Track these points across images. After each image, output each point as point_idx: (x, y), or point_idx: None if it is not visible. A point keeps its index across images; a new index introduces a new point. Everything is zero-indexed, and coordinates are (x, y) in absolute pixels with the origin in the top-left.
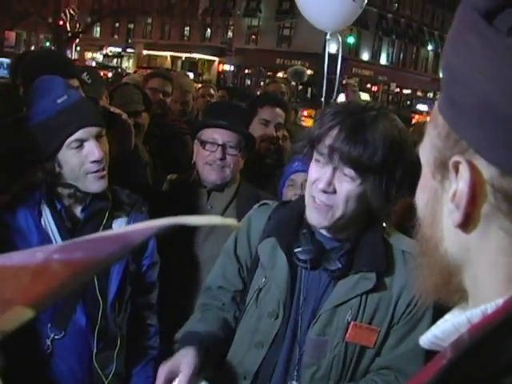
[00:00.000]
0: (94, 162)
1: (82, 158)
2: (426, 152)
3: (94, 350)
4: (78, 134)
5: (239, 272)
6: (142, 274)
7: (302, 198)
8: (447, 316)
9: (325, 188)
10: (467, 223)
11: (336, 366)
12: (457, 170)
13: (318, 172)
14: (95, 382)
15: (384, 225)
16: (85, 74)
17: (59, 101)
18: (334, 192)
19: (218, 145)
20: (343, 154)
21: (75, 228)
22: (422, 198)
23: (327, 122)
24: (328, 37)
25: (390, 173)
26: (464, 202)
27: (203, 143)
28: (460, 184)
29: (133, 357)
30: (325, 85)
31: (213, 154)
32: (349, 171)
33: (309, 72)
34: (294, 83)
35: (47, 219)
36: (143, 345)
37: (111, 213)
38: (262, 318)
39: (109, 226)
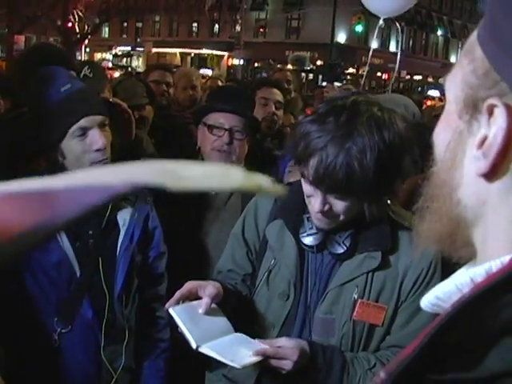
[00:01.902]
0: (98, 150)
1: (85, 147)
2: (455, 86)
3: (102, 344)
4: (82, 122)
5: (248, 255)
6: (148, 266)
7: None
8: (449, 278)
9: (320, 210)
10: (492, 174)
11: (345, 344)
12: (490, 114)
13: (310, 190)
14: (104, 375)
15: (388, 202)
16: (86, 67)
17: (63, 89)
18: (330, 208)
19: (225, 129)
20: (329, 185)
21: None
22: (442, 137)
23: (309, 146)
24: (381, 22)
25: (382, 178)
26: (494, 151)
27: (210, 127)
28: (493, 130)
29: (143, 350)
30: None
31: (220, 138)
32: (338, 196)
33: (319, 62)
34: (304, 74)
35: None
36: (153, 337)
37: (115, 204)
38: (273, 300)
39: (113, 218)
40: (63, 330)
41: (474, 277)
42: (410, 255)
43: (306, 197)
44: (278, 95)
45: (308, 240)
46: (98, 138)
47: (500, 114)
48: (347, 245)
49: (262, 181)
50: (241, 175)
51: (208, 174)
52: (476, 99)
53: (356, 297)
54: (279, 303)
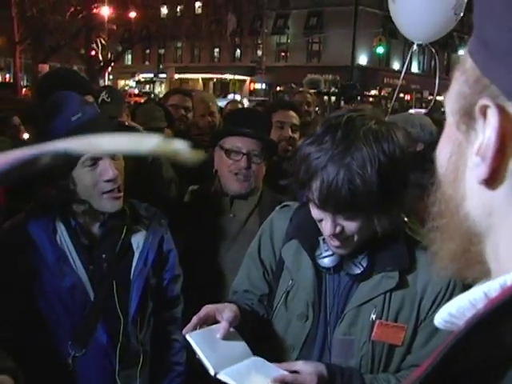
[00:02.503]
0: (109, 181)
1: (96, 177)
2: (451, 100)
3: (117, 368)
4: (92, 153)
5: (264, 276)
6: (163, 288)
7: None
8: (463, 294)
9: (332, 233)
10: (493, 179)
11: (365, 366)
12: (484, 117)
13: (318, 214)
14: None
15: (406, 219)
16: (104, 92)
17: (73, 118)
18: (342, 230)
19: (243, 153)
20: (335, 205)
21: (93, 244)
22: (444, 151)
23: (310, 168)
24: (415, 47)
25: (386, 190)
26: (491, 153)
27: (227, 152)
28: (487, 132)
29: (158, 373)
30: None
31: (237, 162)
32: (347, 215)
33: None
34: (326, 97)
35: (63, 236)
36: (168, 361)
37: (129, 227)
38: (292, 321)
39: (127, 241)
40: (77, 354)
41: (489, 292)
42: (429, 273)
43: (317, 222)
44: (294, 118)
45: (325, 262)
46: (108, 169)
47: (492, 114)
48: (364, 265)
49: (178, 146)
50: (156, 140)
51: (125, 140)
52: (470, 107)
53: (374, 317)
54: (298, 324)
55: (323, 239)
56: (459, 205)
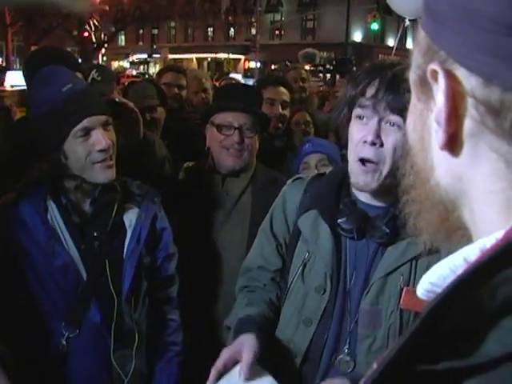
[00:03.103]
0: (101, 151)
1: (88, 148)
2: (411, 73)
3: (112, 348)
4: (85, 123)
5: (277, 250)
6: (157, 267)
7: (338, 168)
8: (442, 260)
9: (374, 139)
10: (453, 144)
11: (393, 335)
12: (436, 82)
13: (361, 129)
14: (115, 380)
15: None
16: (94, 71)
17: (64, 89)
18: (381, 145)
19: (235, 128)
20: (389, 102)
21: (84, 223)
22: (410, 123)
23: (364, 79)
24: (407, 22)
25: None
26: (444, 117)
27: (219, 127)
28: (439, 95)
29: (154, 354)
30: None
31: (230, 137)
32: (395, 119)
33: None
34: (321, 74)
35: (54, 215)
36: (164, 341)
37: (121, 205)
38: (309, 294)
39: (119, 219)
40: (71, 335)
41: (468, 256)
42: None
43: (352, 147)
44: (284, 94)
45: (348, 225)
46: (101, 139)
47: (441, 77)
48: (390, 228)
49: None
50: None
51: None
52: (424, 76)
53: (402, 285)
54: (316, 297)
55: (345, 203)
56: (429, 175)
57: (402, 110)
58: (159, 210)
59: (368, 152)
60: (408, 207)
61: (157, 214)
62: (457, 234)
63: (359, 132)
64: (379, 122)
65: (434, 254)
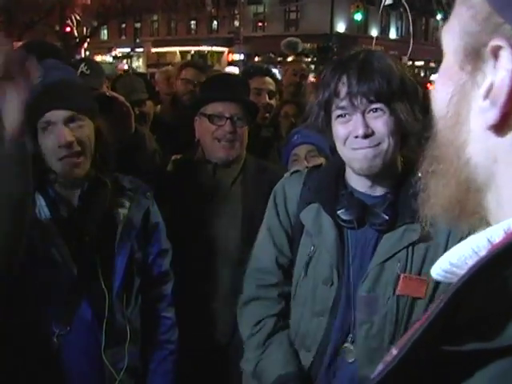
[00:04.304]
0: (61, 146)
1: (54, 142)
2: (453, 37)
3: (103, 345)
4: (47, 117)
5: (288, 241)
6: (150, 263)
7: (334, 160)
8: (464, 241)
9: (365, 131)
10: (502, 125)
11: (390, 320)
12: (496, 58)
13: (346, 126)
14: (107, 377)
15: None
16: (83, 64)
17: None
18: (373, 133)
19: (226, 118)
20: (365, 93)
21: (73, 217)
22: (444, 92)
23: (331, 79)
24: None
25: (409, 95)
26: (503, 97)
27: (210, 117)
28: (500, 74)
29: (149, 352)
30: None
31: (222, 127)
32: (376, 105)
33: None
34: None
35: (42, 209)
36: (159, 339)
37: (113, 199)
38: (318, 287)
39: (111, 214)
40: (62, 332)
41: (492, 237)
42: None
43: (340, 144)
44: (270, 84)
45: (347, 216)
46: (60, 134)
47: (506, 56)
48: (389, 214)
49: None
50: None
51: None
52: (478, 46)
53: (399, 272)
54: (324, 289)
55: (343, 194)
56: (460, 150)
57: (379, 95)
58: (152, 205)
59: (363, 142)
60: (427, 179)
61: (149, 208)
62: (471, 217)
63: (345, 128)
64: (362, 114)
65: (430, 240)
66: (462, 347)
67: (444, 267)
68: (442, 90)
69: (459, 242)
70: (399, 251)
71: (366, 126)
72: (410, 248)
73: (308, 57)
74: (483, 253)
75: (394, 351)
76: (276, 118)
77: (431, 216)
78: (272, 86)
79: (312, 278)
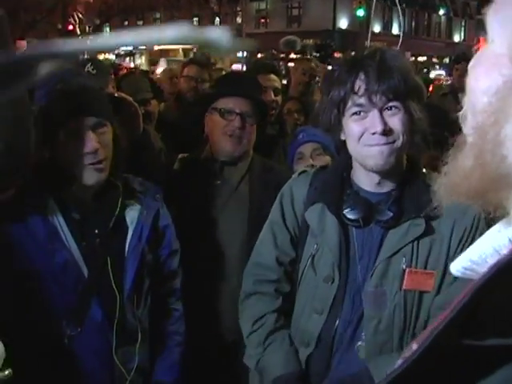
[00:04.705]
0: (89, 153)
1: (79, 148)
2: (503, 23)
3: (114, 345)
4: (74, 123)
5: (291, 241)
6: (160, 264)
7: (340, 160)
8: (483, 238)
9: (384, 128)
10: None
11: (398, 315)
12: None
13: (362, 123)
14: (117, 377)
15: (424, 171)
16: (89, 64)
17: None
18: (390, 130)
19: (237, 113)
20: (384, 92)
21: (84, 219)
22: (486, 83)
23: (347, 77)
24: None
25: (418, 94)
26: None
27: (221, 112)
28: None
29: (157, 343)
30: None
31: (231, 123)
32: (394, 103)
33: None
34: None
35: (53, 211)
36: (167, 330)
37: (123, 202)
38: (319, 285)
39: (121, 216)
40: (73, 333)
41: None
42: (452, 217)
43: (353, 142)
44: (275, 81)
45: (353, 215)
46: (88, 141)
47: None
48: (394, 211)
49: (212, 34)
50: (184, 29)
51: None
52: None
53: (404, 266)
54: (325, 287)
55: (348, 194)
56: (497, 146)
57: (397, 93)
58: (161, 207)
59: (381, 139)
60: (452, 165)
61: (159, 210)
62: (494, 209)
63: (360, 125)
64: (380, 111)
65: (434, 234)
66: (482, 342)
67: (464, 264)
68: (483, 79)
69: (463, 234)
70: (404, 246)
71: (385, 122)
72: (416, 242)
73: (310, 54)
74: (504, 251)
75: (415, 346)
76: (281, 115)
77: (449, 199)
78: (277, 83)
79: (313, 276)
